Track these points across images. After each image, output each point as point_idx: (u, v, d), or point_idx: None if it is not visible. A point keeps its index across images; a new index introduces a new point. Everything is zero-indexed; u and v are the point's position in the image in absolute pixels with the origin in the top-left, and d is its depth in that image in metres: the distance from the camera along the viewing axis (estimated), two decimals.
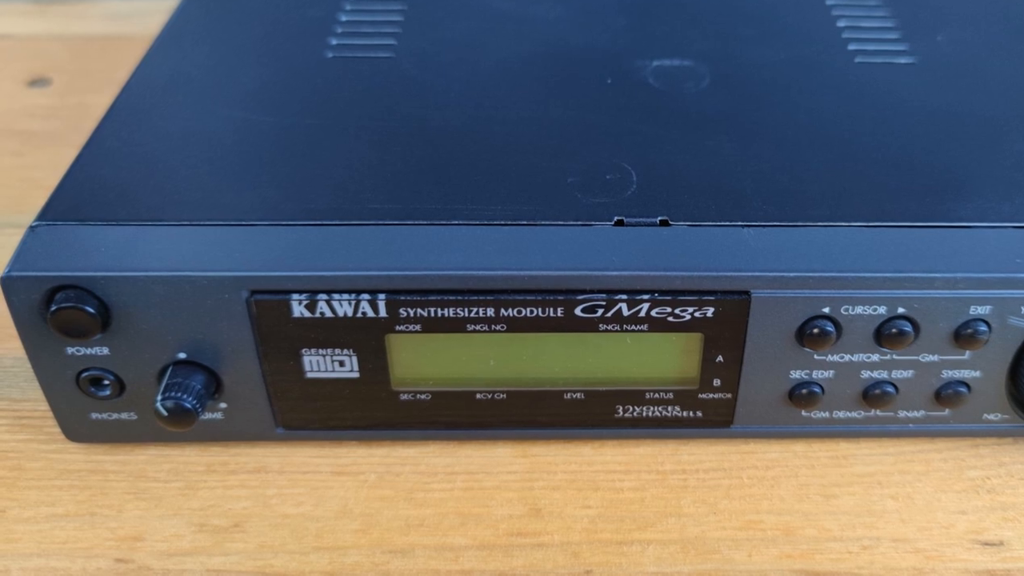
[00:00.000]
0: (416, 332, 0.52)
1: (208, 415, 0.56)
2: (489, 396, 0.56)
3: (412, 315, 0.52)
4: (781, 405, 0.57)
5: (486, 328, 0.52)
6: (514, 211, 0.54)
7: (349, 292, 0.51)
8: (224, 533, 0.54)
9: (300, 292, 0.51)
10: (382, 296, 0.51)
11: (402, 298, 0.51)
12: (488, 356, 0.55)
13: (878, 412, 0.57)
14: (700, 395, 0.56)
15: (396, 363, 0.54)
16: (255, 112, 0.62)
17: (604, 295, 0.52)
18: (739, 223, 0.53)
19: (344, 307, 0.51)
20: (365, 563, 0.53)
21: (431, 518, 0.55)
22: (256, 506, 0.56)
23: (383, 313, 0.52)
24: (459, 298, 0.51)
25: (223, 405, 0.55)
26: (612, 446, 0.59)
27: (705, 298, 0.52)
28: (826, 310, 0.52)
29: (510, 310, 0.52)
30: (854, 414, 0.57)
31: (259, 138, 0.60)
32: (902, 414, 0.57)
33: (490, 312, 0.52)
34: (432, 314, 0.52)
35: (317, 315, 0.51)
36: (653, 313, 0.52)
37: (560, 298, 0.51)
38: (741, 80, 0.66)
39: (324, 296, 0.51)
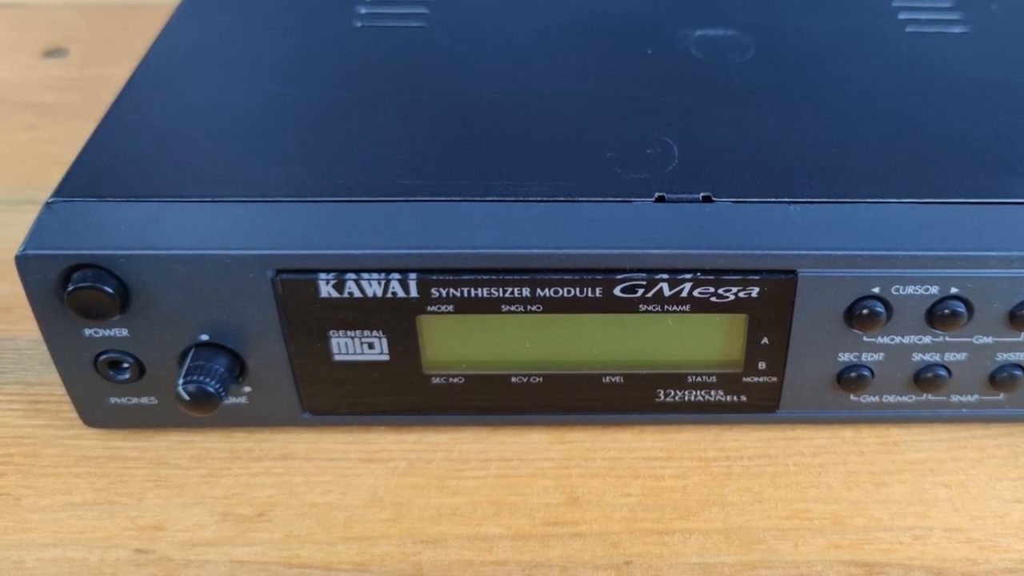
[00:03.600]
0: (448, 313, 0.51)
1: (231, 399, 0.54)
2: (524, 380, 0.54)
3: (444, 295, 0.50)
4: (829, 389, 0.55)
5: (521, 309, 0.50)
6: (551, 187, 0.52)
7: (379, 271, 0.49)
8: (248, 522, 0.53)
9: (327, 271, 0.49)
10: (413, 275, 0.49)
11: (434, 278, 0.49)
12: (523, 338, 0.53)
13: (930, 396, 0.55)
14: (744, 379, 0.54)
15: (428, 345, 0.53)
16: (280, 84, 0.60)
17: (644, 274, 0.50)
18: (785, 199, 0.51)
19: (373, 287, 0.49)
20: (395, 554, 0.51)
21: (464, 507, 0.53)
22: (282, 494, 0.54)
23: (414, 293, 0.50)
24: (493, 278, 0.49)
25: (247, 389, 0.54)
26: (652, 432, 0.57)
27: (750, 277, 0.50)
28: (876, 290, 0.50)
29: (546, 290, 0.50)
30: (905, 398, 0.55)
31: (284, 111, 0.58)
32: (955, 398, 0.55)
33: (525, 292, 0.50)
34: (465, 294, 0.50)
35: (345, 295, 0.50)
36: (695, 293, 0.50)
37: (599, 278, 0.50)
38: (787, 51, 0.64)
39: (352, 275, 0.49)
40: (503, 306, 0.50)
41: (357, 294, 0.50)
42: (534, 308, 0.51)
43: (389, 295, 0.50)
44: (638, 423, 0.57)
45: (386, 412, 0.55)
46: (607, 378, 0.54)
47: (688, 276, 0.50)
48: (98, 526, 0.52)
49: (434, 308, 0.50)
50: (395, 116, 0.57)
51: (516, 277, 0.49)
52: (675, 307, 0.51)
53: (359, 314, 0.51)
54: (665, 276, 0.50)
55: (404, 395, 0.54)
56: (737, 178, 0.53)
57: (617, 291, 0.50)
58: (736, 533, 0.52)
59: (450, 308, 0.50)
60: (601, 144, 0.55)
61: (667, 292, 0.50)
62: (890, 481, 0.55)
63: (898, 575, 0.50)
